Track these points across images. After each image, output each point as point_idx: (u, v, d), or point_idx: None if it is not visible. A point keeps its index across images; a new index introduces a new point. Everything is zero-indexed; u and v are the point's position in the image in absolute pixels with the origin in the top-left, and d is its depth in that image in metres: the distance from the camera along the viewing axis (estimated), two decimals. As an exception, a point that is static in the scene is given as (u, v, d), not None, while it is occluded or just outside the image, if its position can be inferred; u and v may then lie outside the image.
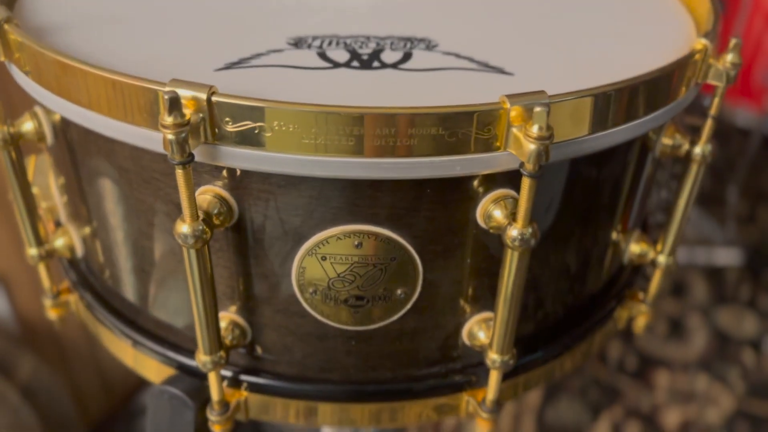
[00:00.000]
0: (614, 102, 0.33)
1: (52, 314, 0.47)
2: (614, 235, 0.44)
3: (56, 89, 0.34)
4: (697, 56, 0.37)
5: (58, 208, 0.46)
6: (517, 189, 0.32)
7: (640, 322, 0.48)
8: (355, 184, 0.32)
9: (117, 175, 0.36)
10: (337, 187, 0.32)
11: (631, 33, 0.44)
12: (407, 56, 0.37)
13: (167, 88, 0.29)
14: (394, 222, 0.33)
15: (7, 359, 1.09)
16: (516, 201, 0.33)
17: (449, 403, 0.40)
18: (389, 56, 0.37)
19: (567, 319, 0.44)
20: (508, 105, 0.30)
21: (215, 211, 0.33)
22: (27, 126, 0.39)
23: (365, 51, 0.37)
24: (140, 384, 1.46)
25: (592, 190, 0.39)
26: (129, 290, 0.42)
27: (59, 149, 0.40)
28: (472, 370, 0.40)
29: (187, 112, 0.29)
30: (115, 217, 0.38)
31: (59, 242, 0.44)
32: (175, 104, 0.28)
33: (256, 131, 0.30)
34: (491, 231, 0.34)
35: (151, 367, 0.42)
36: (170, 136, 0.29)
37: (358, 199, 0.33)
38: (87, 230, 0.43)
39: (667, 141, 0.41)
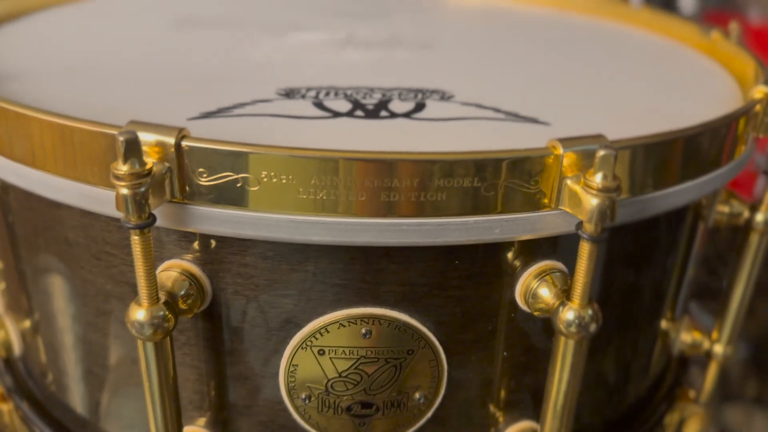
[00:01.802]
0: (676, 152, 0.27)
1: (-22, 432, 0.37)
2: (663, 324, 0.37)
3: (-6, 143, 0.27)
4: (758, 106, 0.31)
5: (-6, 299, 0.38)
6: (566, 260, 0.25)
7: (693, 427, 0.40)
8: (365, 253, 0.25)
9: (62, 252, 0.29)
10: (342, 258, 0.25)
11: (663, 81, 0.39)
12: (420, 106, 0.31)
13: (124, 129, 0.22)
14: (413, 304, 0.26)
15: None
16: (564, 276, 0.26)
17: None
18: (399, 106, 0.31)
19: (619, 420, 0.36)
20: (561, 150, 0.23)
21: (182, 293, 0.25)
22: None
23: (370, 101, 0.31)
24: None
25: (639, 266, 0.32)
26: (75, 398, 0.34)
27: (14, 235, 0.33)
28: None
29: (149, 161, 0.22)
30: (59, 304, 0.31)
31: (-5, 337, 0.36)
32: (132, 147, 0.21)
33: (239, 184, 0.23)
34: (536, 314, 0.27)
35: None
36: (124, 191, 0.22)
37: (368, 273, 0.26)
38: (27, 323, 0.35)
39: (722, 208, 0.35)
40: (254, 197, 0.23)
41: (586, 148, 0.23)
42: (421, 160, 0.23)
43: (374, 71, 0.37)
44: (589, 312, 0.25)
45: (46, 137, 0.25)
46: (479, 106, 0.31)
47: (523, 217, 0.24)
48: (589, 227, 0.23)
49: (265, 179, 0.23)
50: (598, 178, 0.23)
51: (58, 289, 0.30)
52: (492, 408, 0.30)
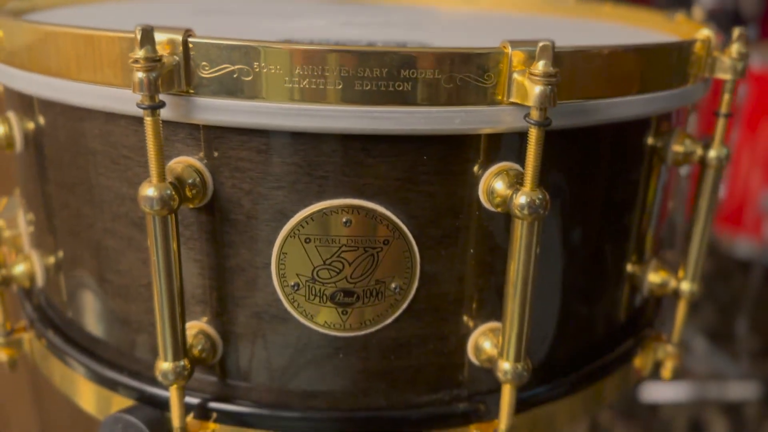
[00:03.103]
0: (621, 64, 0.31)
1: (2, 355, 0.41)
2: (631, 263, 0.40)
3: (27, 64, 0.32)
4: (699, 45, 0.35)
5: (23, 239, 0.42)
6: (521, 161, 0.29)
7: (668, 366, 0.43)
8: (344, 147, 0.29)
9: (85, 162, 0.33)
10: (324, 151, 0.29)
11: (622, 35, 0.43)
12: (402, 46, 0.36)
13: (143, 28, 0.27)
14: (388, 196, 0.30)
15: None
16: (519, 173, 0.30)
17: (455, 436, 0.34)
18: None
19: (590, 351, 0.39)
20: (509, 49, 0.27)
21: (189, 181, 0.29)
22: (-2, 130, 0.37)
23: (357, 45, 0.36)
24: None
25: (604, 191, 0.36)
26: (89, 318, 0.37)
27: (27, 158, 0.38)
28: (481, 398, 0.34)
29: (163, 52, 0.27)
30: (78, 217, 0.35)
31: (19, 269, 0.40)
32: (146, 36, 0.26)
33: (235, 75, 0.27)
34: (497, 210, 0.30)
35: (109, 401, 0.36)
36: (140, 74, 0.26)
37: (347, 166, 0.29)
38: (50, 255, 0.39)
39: (678, 148, 0.38)
40: (248, 86, 0.27)
41: (530, 48, 0.27)
42: (388, 51, 0.27)
43: (367, 36, 0.42)
44: (539, 195, 0.28)
45: (70, 49, 0.30)
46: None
47: (479, 110, 0.28)
48: (534, 113, 0.27)
49: (257, 70, 0.27)
50: (539, 66, 0.27)
51: (79, 201, 0.34)
52: (464, 305, 0.33)
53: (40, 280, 0.40)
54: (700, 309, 2.21)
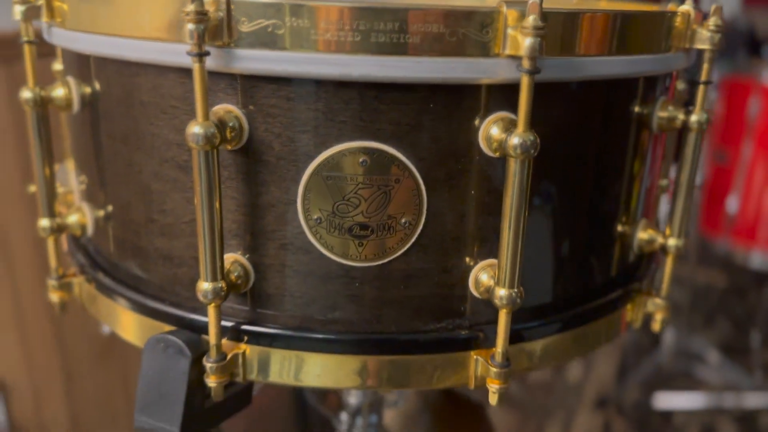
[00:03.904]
0: (605, 27, 0.35)
1: (54, 297, 0.46)
2: (622, 222, 0.44)
3: (89, 27, 0.37)
4: (679, 17, 0.40)
5: (73, 196, 0.47)
6: (516, 111, 0.33)
7: (658, 318, 0.46)
8: (360, 95, 0.34)
9: (136, 113, 0.38)
10: (344, 98, 0.34)
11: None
12: (412, 19, 0.40)
13: (191, -10, 0.32)
14: (399, 139, 0.35)
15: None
16: (514, 120, 0.34)
17: (456, 359, 0.38)
18: (396, 18, 0.40)
19: (579, 296, 0.43)
20: (504, 8, 0.32)
21: (229, 124, 0.34)
22: (58, 92, 0.42)
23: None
24: None
25: (597, 149, 0.40)
26: (135, 260, 0.42)
27: (83, 118, 0.43)
28: (480, 327, 0.38)
29: (209, 9, 0.32)
30: (129, 166, 0.40)
31: (72, 218, 0.45)
32: (199, -4, 0.31)
33: (269, 29, 0.32)
34: (494, 155, 0.35)
35: (150, 329, 0.40)
36: (191, 26, 0.31)
37: (364, 112, 0.34)
38: (100, 208, 0.44)
39: (662, 114, 0.42)
40: (280, 39, 0.32)
41: (522, 8, 0.32)
42: (400, 8, 0.32)
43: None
44: (530, 137, 0.33)
45: (136, 9, 0.35)
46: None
47: (479, 61, 0.33)
48: (526, 62, 0.32)
49: (288, 24, 0.32)
50: (530, 21, 0.31)
51: (130, 150, 0.39)
52: (465, 242, 0.37)
53: (90, 230, 0.45)
54: (715, 322, 2.22)
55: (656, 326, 0.47)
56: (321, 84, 0.34)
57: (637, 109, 0.41)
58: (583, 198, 0.41)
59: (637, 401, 1.79)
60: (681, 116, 0.42)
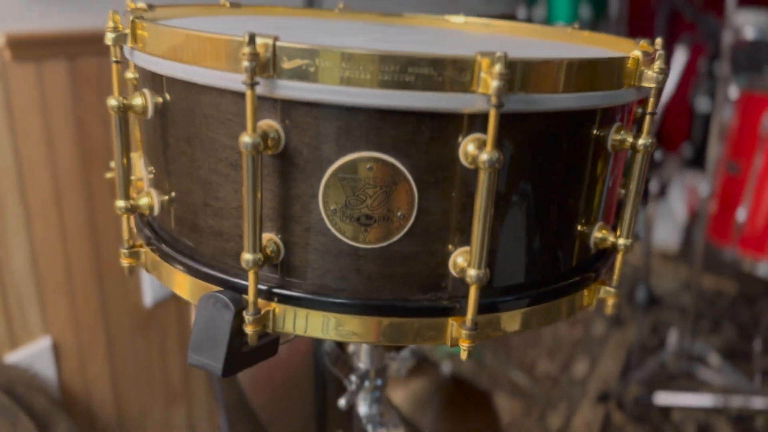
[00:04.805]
0: (561, 71, 0.46)
1: (125, 263, 0.58)
2: (581, 223, 0.54)
3: (165, 53, 0.49)
4: (631, 61, 0.50)
5: (143, 183, 0.59)
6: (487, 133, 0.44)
7: (609, 302, 0.57)
8: (370, 117, 0.45)
9: (199, 123, 0.49)
10: (357, 119, 0.45)
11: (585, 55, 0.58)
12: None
13: (248, 35, 0.43)
14: (398, 151, 0.45)
15: (46, 418, 1.17)
16: (484, 140, 0.45)
17: (437, 323, 0.49)
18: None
19: (543, 280, 0.53)
20: (479, 57, 0.43)
21: (270, 136, 0.45)
22: (137, 101, 0.54)
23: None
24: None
25: (560, 164, 0.50)
26: (191, 235, 0.54)
27: (154, 123, 0.54)
28: (457, 300, 0.49)
29: (259, 50, 0.43)
30: (191, 162, 0.51)
31: (143, 201, 0.57)
32: (252, 39, 0.42)
33: (303, 67, 0.43)
34: (470, 166, 0.45)
35: (201, 288, 0.52)
36: (246, 63, 0.42)
37: (371, 130, 0.45)
38: (165, 194, 0.55)
39: (616, 137, 0.53)
40: (311, 75, 0.43)
41: (492, 57, 0.43)
42: (401, 55, 0.42)
43: (398, 45, 0.58)
44: (495, 154, 0.43)
45: (199, 46, 0.46)
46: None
47: (459, 96, 0.43)
48: (493, 99, 0.42)
49: (317, 63, 0.43)
50: (496, 68, 0.42)
51: (193, 149, 0.51)
52: (448, 232, 0.48)
53: (156, 211, 0.57)
54: (721, 327, 2.29)
55: (608, 309, 0.57)
56: (340, 108, 0.45)
57: (594, 132, 0.51)
58: (548, 201, 0.51)
59: (638, 397, 1.88)
60: (630, 139, 0.52)
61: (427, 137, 0.45)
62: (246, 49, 0.42)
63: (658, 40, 0.62)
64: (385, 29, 0.76)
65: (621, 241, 0.55)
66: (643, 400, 1.86)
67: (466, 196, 0.47)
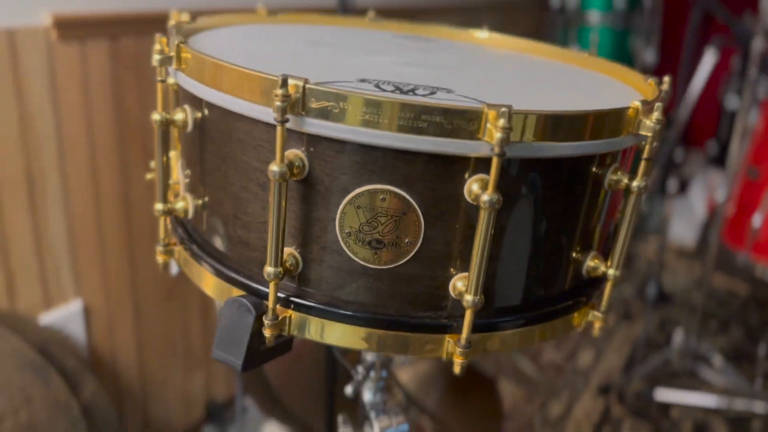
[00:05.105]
0: (564, 124, 0.50)
1: (160, 259, 0.64)
2: (576, 250, 0.59)
3: (208, 81, 0.54)
4: (631, 111, 0.54)
5: (179, 186, 0.65)
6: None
7: (596, 326, 0.62)
8: (385, 154, 0.50)
9: (234, 145, 0.55)
10: (373, 156, 0.50)
11: (591, 95, 0.62)
12: (432, 93, 0.56)
13: (281, 76, 0.48)
14: (409, 186, 0.50)
15: (76, 378, 1.25)
16: (487, 181, 0.50)
17: (435, 339, 0.54)
18: (420, 92, 0.56)
19: (537, 303, 0.58)
20: (486, 109, 0.47)
21: (295, 164, 0.51)
22: (178, 116, 0.59)
23: (405, 88, 0.56)
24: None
25: (558, 200, 0.55)
26: (222, 241, 0.60)
27: (195, 137, 0.60)
28: (455, 319, 0.54)
29: (291, 91, 0.48)
30: (225, 177, 0.57)
31: (179, 205, 0.63)
32: (284, 82, 0.47)
33: (328, 108, 0.48)
34: (473, 203, 0.51)
35: (226, 291, 0.58)
36: (278, 102, 0.48)
37: (386, 166, 0.50)
38: (199, 198, 0.61)
39: (613, 177, 0.57)
40: (335, 115, 0.48)
41: (498, 109, 0.47)
42: (416, 103, 0.47)
43: (417, 77, 0.62)
44: (495, 196, 0.48)
45: (238, 79, 0.52)
46: (464, 96, 0.56)
47: (466, 143, 0.48)
48: (496, 148, 0.47)
49: (340, 106, 0.48)
50: (500, 122, 0.46)
51: (227, 167, 0.56)
52: (450, 258, 0.53)
53: (190, 214, 0.63)
54: (729, 328, 2.32)
55: (595, 332, 0.62)
56: (359, 145, 0.50)
57: (592, 171, 0.56)
58: (545, 233, 0.56)
59: (639, 392, 1.93)
60: (626, 181, 0.57)
61: (435, 175, 0.50)
62: (279, 91, 0.47)
63: (666, 79, 0.66)
64: (410, 45, 0.80)
65: (611, 272, 0.60)
66: (643, 395, 1.92)
67: (468, 228, 0.52)
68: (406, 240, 0.52)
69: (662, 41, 2.80)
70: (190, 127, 0.60)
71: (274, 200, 0.51)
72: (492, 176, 0.48)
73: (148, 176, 0.66)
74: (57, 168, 1.22)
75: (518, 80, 0.70)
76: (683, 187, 3.17)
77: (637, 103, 0.55)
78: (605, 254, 0.62)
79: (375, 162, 0.50)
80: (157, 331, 1.50)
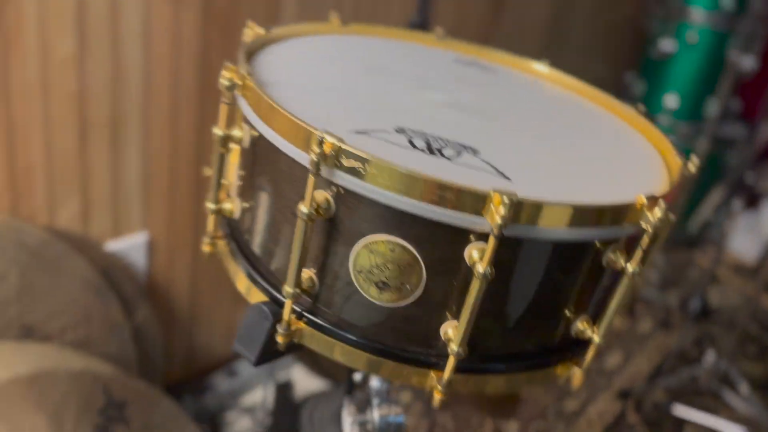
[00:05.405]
0: (568, 214, 0.55)
1: (206, 248, 0.73)
2: (567, 313, 0.65)
3: (262, 117, 0.62)
4: (637, 205, 0.58)
5: (232, 187, 0.74)
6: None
7: (575, 382, 0.68)
8: (401, 214, 0.56)
9: (276, 176, 0.63)
10: (390, 213, 0.56)
11: (613, 169, 0.66)
12: (458, 154, 0.62)
13: (320, 134, 0.55)
14: (417, 243, 0.57)
15: (131, 303, 1.39)
16: (485, 250, 0.56)
17: (422, 372, 0.62)
18: (448, 152, 0.62)
19: (523, 354, 0.65)
20: (492, 192, 0.53)
21: (323, 206, 0.58)
22: (236, 133, 0.67)
23: (435, 146, 0.62)
24: (216, 366, 1.73)
25: (554, 274, 0.61)
26: (257, 246, 0.68)
27: (249, 152, 0.68)
28: (442, 359, 0.62)
29: (326, 147, 0.55)
30: (265, 199, 0.65)
31: (227, 205, 0.71)
32: (321, 142, 0.54)
33: (356, 168, 0.55)
34: (470, 266, 0.57)
35: (254, 294, 0.67)
36: (314, 157, 0.54)
37: (401, 223, 0.57)
38: (246, 202, 0.69)
39: (611, 255, 0.62)
40: (361, 175, 0.55)
41: (503, 194, 0.53)
42: (429, 179, 0.53)
43: (452, 128, 0.68)
44: (489, 270, 0.54)
45: (285, 122, 0.59)
46: (486, 161, 0.61)
47: (470, 217, 0.54)
48: (495, 230, 0.53)
49: (367, 169, 0.54)
50: (501, 209, 0.52)
51: (269, 188, 0.64)
52: (444, 308, 0.60)
53: (236, 215, 0.71)
54: (766, 355, 2.30)
55: (574, 383, 0.68)
56: (379, 203, 0.56)
57: (591, 250, 0.61)
58: (540, 298, 0.62)
59: (658, 403, 1.97)
60: (622, 263, 0.62)
61: (442, 238, 0.57)
62: (315, 148, 0.54)
63: (695, 161, 0.69)
64: (466, 75, 0.84)
65: (596, 338, 0.65)
66: (661, 407, 1.95)
67: (465, 285, 0.58)
68: (408, 286, 0.59)
69: (764, 49, 2.67)
70: (246, 144, 0.68)
71: (299, 236, 0.58)
72: (487, 252, 0.54)
73: (207, 172, 0.74)
74: (140, 114, 1.33)
75: (549, 140, 0.74)
76: (754, 201, 3.07)
77: (642, 198, 0.59)
78: (595, 318, 0.67)
79: (390, 218, 0.57)
80: (210, 268, 1.63)
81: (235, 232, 0.73)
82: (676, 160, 0.70)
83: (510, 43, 2.03)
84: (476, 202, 0.54)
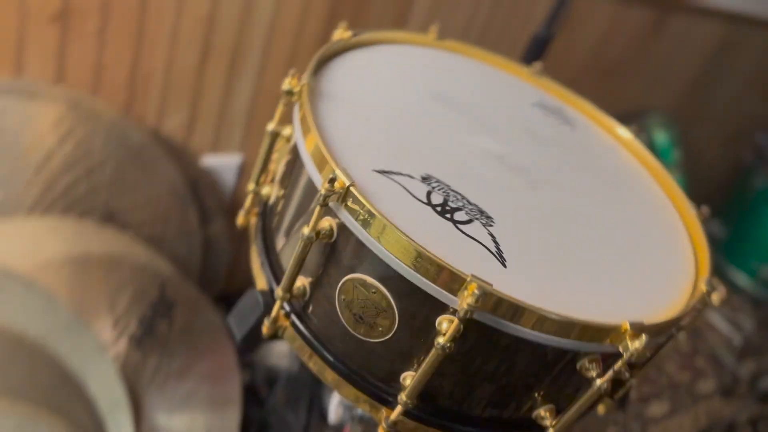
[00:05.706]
0: (545, 322, 0.56)
1: (240, 219, 0.80)
2: (536, 394, 0.66)
3: (303, 132, 0.65)
4: (621, 329, 0.58)
5: (276, 174, 0.79)
6: (461, 321, 0.57)
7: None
8: (390, 268, 0.59)
9: (300, 186, 0.67)
10: (380, 261, 0.59)
11: (631, 279, 0.66)
12: (469, 221, 0.63)
13: (334, 172, 0.58)
14: (397, 296, 0.60)
15: (210, 213, 1.50)
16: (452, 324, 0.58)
17: (376, 405, 0.66)
18: (459, 216, 0.63)
19: (474, 419, 0.67)
20: (469, 278, 0.55)
21: (325, 232, 0.62)
22: (286, 131, 0.72)
23: (451, 205, 0.64)
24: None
25: (520, 365, 0.62)
26: (278, 238, 0.73)
27: (290, 149, 0.72)
28: (395, 400, 0.65)
29: (337, 185, 0.58)
30: (292, 199, 0.69)
31: (266, 189, 0.77)
32: (334, 179, 0.58)
33: (360, 215, 0.58)
34: (436, 337, 0.59)
35: (260, 279, 0.73)
36: (323, 191, 0.58)
37: (387, 276, 0.59)
38: (280, 193, 0.75)
39: (586, 364, 0.62)
40: (362, 222, 0.58)
41: (477, 286, 0.54)
42: (424, 254, 0.56)
43: (481, 187, 0.68)
44: (448, 343, 0.57)
45: (317, 149, 0.62)
46: (492, 237, 0.62)
47: (447, 294, 0.56)
48: (461, 313, 0.55)
49: (370, 221, 0.57)
50: (469, 300, 0.54)
51: (294, 197, 0.69)
52: (407, 356, 0.63)
53: (271, 200, 0.77)
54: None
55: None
56: (372, 252, 0.59)
57: (565, 356, 0.61)
58: (507, 379, 0.63)
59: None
60: (594, 374, 0.62)
61: (419, 301, 0.59)
62: (326, 185, 0.58)
63: (721, 293, 0.67)
64: (534, 124, 0.83)
65: (551, 430, 0.66)
66: None
67: (425, 347, 0.61)
68: (381, 328, 0.62)
69: None
70: (291, 144, 0.72)
71: (297, 253, 0.63)
72: (449, 330, 0.56)
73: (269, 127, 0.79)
74: (261, 49, 1.40)
75: (580, 228, 0.73)
76: None
77: (626, 324, 0.58)
78: (559, 410, 0.68)
79: (378, 265, 0.60)
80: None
81: (265, 215, 0.79)
82: (701, 287, 0.68)
83: (659, 72, 1.92)
84: (453, 282, 0.56)
